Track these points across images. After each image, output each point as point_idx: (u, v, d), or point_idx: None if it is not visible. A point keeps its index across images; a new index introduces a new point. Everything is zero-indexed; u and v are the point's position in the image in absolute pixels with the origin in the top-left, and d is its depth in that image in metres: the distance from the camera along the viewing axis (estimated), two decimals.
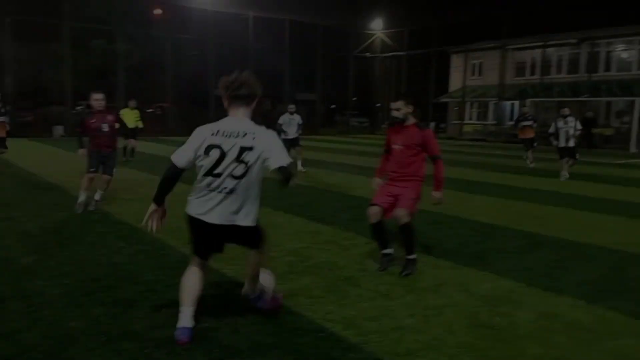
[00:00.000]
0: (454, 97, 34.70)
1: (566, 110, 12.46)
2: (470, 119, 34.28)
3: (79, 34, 25.09)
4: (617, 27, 26.89)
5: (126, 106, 14.43)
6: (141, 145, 10.35)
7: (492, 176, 12.61)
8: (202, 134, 3.27)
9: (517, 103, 30.68)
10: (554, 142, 12.51)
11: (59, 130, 24.70)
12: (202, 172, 3.28)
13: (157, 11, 28.77)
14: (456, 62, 35.44)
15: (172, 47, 27.84)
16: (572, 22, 27.97)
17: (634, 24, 25.84)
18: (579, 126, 12.39)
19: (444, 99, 35.78)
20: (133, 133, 13.24)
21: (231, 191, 3.24)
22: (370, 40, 38.29)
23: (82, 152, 7.36)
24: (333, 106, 48.84)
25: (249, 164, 3.22)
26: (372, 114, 40.92)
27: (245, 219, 3.33)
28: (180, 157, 3.28)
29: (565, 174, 12.14)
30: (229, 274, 4.53)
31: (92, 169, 7.18)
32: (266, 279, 3.68)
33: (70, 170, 11.03)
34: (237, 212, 3.29)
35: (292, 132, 12.37)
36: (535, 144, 15.10)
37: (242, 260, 3.86)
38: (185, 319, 3.25)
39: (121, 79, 25.91)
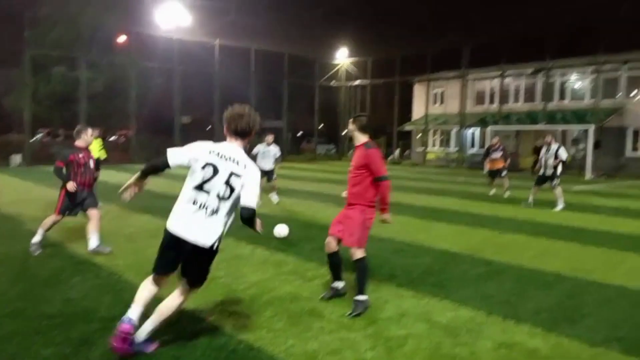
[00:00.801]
0: (417, 125, 35.48)
1: (547, 138, 12.48)
2: (434, 146, 35.05)
3: (40, 60, 24.64)
4: (570, 59, 28.21)
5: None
6: (104, 174, 10.08)
7: (454, 203, 12.84)
8: (202, 148, 3.51)
9: (477, 130, 31.57)
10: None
11: (16, 159, 23.96)
12: (191, 184, 3.46)
13: (122, 38, 28.62)
14: (419, 91, 36.37)
15: (137, 75, 27.63)
16: (528, 53, 29.28)
17: (585, 56, 27.18)
18: (565, 154, 12.12)
19: (407, 127, 36.53)
20: (96, 164, 12.88)
21: (213, 212, 3.43)
22: (335, 70, 39.01)
23: (73, 184, 6.40)
24: (300, 133, 49.21)
25: (234, 189, 3.45)
26: (339, 140, 41.41)
27: (210, 240, 3.45)
28: (174, 157, 3.48)
29: (530, 201, 12.33)
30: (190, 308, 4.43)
31: (66, 211, 6.45)
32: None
33: (28, 200, 10.67)
34: (207, 231, 3.42)
35: (267, 164, 11.71)
36: (503, 174, 14.81)
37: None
38: (132, 312, 3.44)
39: (83, 107, 25.46)
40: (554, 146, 12.10)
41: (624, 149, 25.92)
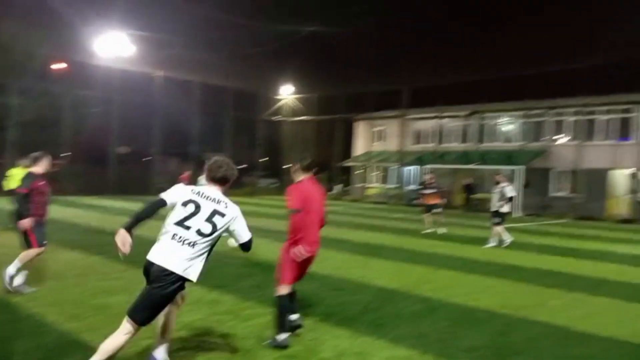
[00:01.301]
0: (358, 161, 36.20)
1: (497, 177, 12.90)
2: (373, 182, 35.81)
3: None
4: (501, 103, 29.97)
5: (16, 165, 13.16)
6: None
7: (392, 239, 13.07)
8: (185, 188, 3.80)
9: (415, 168, 32.60)
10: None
11: None
12: (173, 220, 3.64)
13: (59, 66, 27.67)
14: (360, 128, 37.29)
15: (72, 103, 26.67)
16: (463, 97, 30.89)
17: (514, 101, 28.97)
18: (511, 192, 12.46)
19: (348, 163, 37.19)
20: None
21: (192, 244, 3.59)
22: (279, 105, 39.40)
23: (29, 222, 5.96)
24: (242, 166, 48.88)
25: (216, 226, 3.67)
26: (282, 175, 41.46)
27: (192, 274, 3.64)
28: (169, 196, 3.69)
29: (506, 238, 12.44)
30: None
31: (45, 242, 6.15)
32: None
33: None
34: (178, 259, 3.56)
35: None
36: (436, 210, 15.14)
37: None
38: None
39: (12, 135, 24.19)
40: (502, 185, 12.49)
41: (548, 188, 27.50)
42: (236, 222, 3.79)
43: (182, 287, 3.65)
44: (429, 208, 15.28)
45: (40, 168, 6.19)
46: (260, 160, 40.96)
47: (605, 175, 25.81)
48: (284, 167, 41.26)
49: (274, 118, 39.89)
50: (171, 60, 26.41)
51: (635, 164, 24.71)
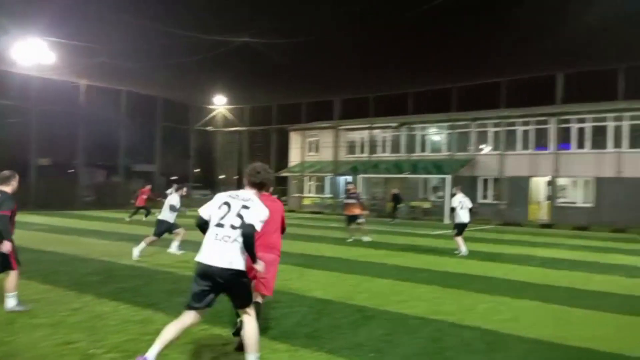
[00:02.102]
0: (293, 172, 36.28)
1: (454, 189, 13.27)
2: (309, 192, 35.98)
3: None
4: (429, 114, 31.15)
5: None
6: None
7: (328, 249, 13.15)
8: (221, 195, 4.30)
9: (350, 177, 33.13)
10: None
11: None
12: (212, 223, 4.14)
13: None
14: (295, 139, 37.44)
15: None
16: (393, 108, 31.86)
17: (442, 112, 30.22)
18: (467, 204, 12.79)
19: (284, 173, 37.19)
20: None
21: (230, 239, 4.05)
22: (212, 115, 38.79)
23: (10, 244, 5.89)
24: (174, 178, 47.52)
25: (244, 218, 4.09)
26: (215, 186, 40.70)
27: (237, 264, 4.04)
28: (203, 211, 4.24)
29: (462, 249, 12.59)
30: None
31: (19, 262, 6.09)
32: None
33: None
34: (231, 258, 4.01)
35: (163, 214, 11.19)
36: (359, 220, 15.03)
37: None
38: (151, 352, 3.79)
39: None
40: (457, 196, 12.89)
41: (475, 196, 28.82)
42: (253, 211, 4.14)
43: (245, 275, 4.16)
44: (350, 218, 15.09)
45: (9, 188, 6.04)
46: (194, 171, 40.06)
47: (526, 183, 27.42)
48: (219, 178, 40.60)
49: (208, 128, 39.23)
50: (97, 68, 25.35)
51: (552, 172, 26.42)
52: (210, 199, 4.51)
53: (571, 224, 23.94)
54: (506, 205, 26.68)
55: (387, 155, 32.97)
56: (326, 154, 34.80)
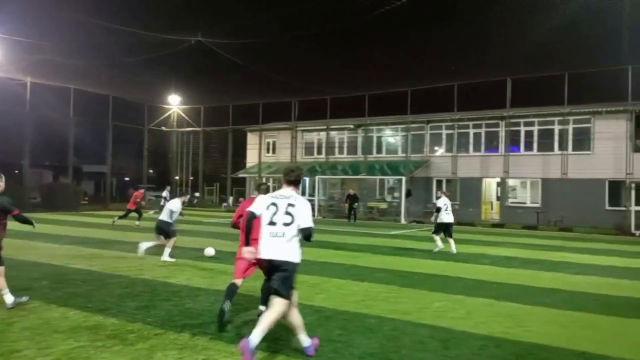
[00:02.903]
0: (251, 173, 36.00)
1: (439, 192, 14.28)
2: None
3: None
4: (385, 117, 31.60)
5: None
6: None
7: None
8: (267, 198, 4.94)
9: (307, 179, 33.18)
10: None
11: None
12: (264, 222, 4.78)
13: None
14: (252, 140, 37.16)
15: None
16: (350, 109, 32.13)
17: (397, 114, 30.69)
18: (437, 203, 13.72)
19: (241, 174, 36.86)
20: None
21: (283, 235, 4.68)
22: (166, 115, 37.97)
23: None
24: (127, 179, 46.27)
25: (293, 215, 4.71)
26: (170, 187, 39.84)
27: (291, 257, 4.71)
28: (255, 209, 4.88)
29: (438, 245, 13.50)
30: None
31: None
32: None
33: None
34: (285, 250, 4.68)
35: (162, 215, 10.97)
36: None
37: None
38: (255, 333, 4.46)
39: None
40: (442, 199, 13.75)
41: (430, 196, 29.45)
42: (301, 212, 4.72)
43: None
44: None
45: None
46: (148, 172, 39.08)
47: (478, 184, 28.23)
48: (174, 178, 39.76)
49: (162, 128, 38.38)
50: (44, 66, 24.33)
51: (502, 173, 27.32)
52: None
53: (521, 223, 24.81)
54: (459, 205, 27.37)
55: (344, 157, 33.22)
56: (284, 155, 34.72)
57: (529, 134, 27.62)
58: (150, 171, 47.51)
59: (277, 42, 20.58)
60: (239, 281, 6.07)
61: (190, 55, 21.78)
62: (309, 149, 34.94)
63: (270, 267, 4.74)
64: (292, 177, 5.00)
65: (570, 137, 26.28)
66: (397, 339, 5.54)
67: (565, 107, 25.81)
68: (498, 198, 28.58)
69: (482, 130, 28.91)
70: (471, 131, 29.23)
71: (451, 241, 13.43)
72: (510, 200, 27.64)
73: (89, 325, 5.69)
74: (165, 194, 26.32)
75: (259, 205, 4.90)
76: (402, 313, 6.64)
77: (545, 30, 18.39)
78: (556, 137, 26.69)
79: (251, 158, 37.25)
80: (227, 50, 21.13)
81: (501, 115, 27.70)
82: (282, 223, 4.69)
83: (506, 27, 18.96)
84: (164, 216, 10.87)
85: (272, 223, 4.72)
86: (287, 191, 4.91)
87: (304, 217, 4.71)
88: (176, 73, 26.50)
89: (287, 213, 4.71)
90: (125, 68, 24.37)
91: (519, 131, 27.79)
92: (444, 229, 13.57)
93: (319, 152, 34.35)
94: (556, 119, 26.60)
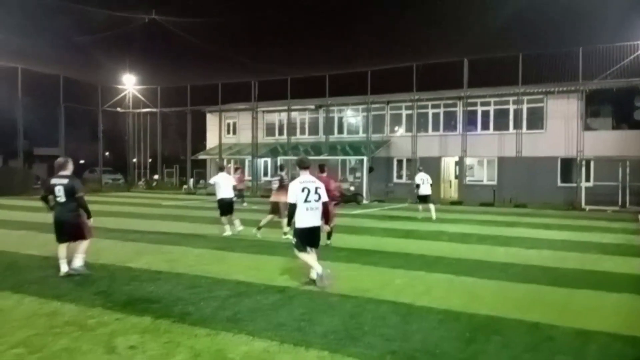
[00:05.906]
0: (211, 154, 35.48)
1: (418, 168, 18.63)
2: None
3: None
4: (346, 97, 31.60)
5: None
6: None
7: (248, 232, 12.97)
8: (298, 183, 6.91)
9: (269, 160, 33.02)
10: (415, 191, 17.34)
11: None
12: (301, 201, 6.82)
13: None
14: (212, 121, 36.54)
15: None
16: (311, 90, 31.92)
17: (358, 94, 30.75)
18: (428, 180, 17.18)
19: (202, 156, 36.28)
20: None
21: (316, 209, 6.96)
22: (121, 95, 36.77)
23: None
24: (82, 162, 44.81)
25: (320, 194, 6.98)
26: (128, 170, 38.86)
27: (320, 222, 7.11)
28: (292, 199, 6.85)
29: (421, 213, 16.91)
30: None
31: None
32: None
33: None
34: (319, 219, 7.04)
35: None
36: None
37: None
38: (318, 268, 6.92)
39: None
40: (419, 175, 17.27)
41: (391, 176, 29.83)
42: (323, 190, 7.08)
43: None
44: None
45: None
46: (104, 155, 37.94)
47: (438, 163, 28.76)
48: (132, 161, 38.75)
49: (117, 109, 37.20)
50: None
51: (460, 152, 27.92)
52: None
53: (478, 201, 25.50)
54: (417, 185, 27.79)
55: (306, 137, 33.13)
56: (245, 136, 34.31)
57: (485, 114, 28.24)
58: (107, 154, 46.19)
59: (235, 22, 20.17)
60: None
61: (145, 33, 21.09)
62: (270, 130, 34.67)
63: (310, 231, 6.91)
64: (308, 163, 7.16)
65: (524, 116, 27.02)
66: (359, 315, 5.64)
67: (519, 87, 26.46)
68: (456, 177, 29.22)
69: (441, 111, 29.36)
70: (430, 111, 29.63)
71: (432, 207, 16.67)
72: (468, 178, 28.30)
73: (46, 312, 5.55)
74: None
75: (295, 193, 6.82)
76: (364, 290, 6.76)
77: (501, 12, 18.73)
78: (511, 117, 27.39)
79: (211, 139, 36.67)
80: (184, 29, 20.56)
81: (459, 96, 28.17)
82: (314, 200, 6.86)
83: (463, 9, 19.20)
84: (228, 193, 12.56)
85: (307, 201, 6.81)
86: (308, 176, 7.01)
87: (324, 194, 7.01)
88: (130, 52, 25.64)
89: (316, 192, 6.89)
90: (76, 48, 23.39)
91: (476, 111, 28.36)
92: (423, 200, 16.95)
93: (281, 133, 34.12)
94: (511, 98, 27.27)
